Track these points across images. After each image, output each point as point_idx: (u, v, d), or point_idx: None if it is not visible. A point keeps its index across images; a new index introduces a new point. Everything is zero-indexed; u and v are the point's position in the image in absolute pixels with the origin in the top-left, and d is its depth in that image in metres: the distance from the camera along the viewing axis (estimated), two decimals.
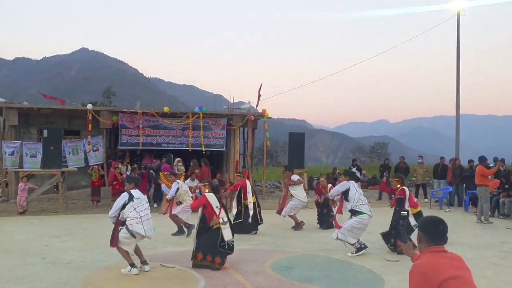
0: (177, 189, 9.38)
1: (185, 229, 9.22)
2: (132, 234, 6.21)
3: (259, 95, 18.13)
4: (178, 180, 9.62)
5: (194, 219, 9.20)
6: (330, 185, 10.39)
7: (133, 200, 6.29)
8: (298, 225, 10.27)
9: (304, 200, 10.43)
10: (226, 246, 6.50)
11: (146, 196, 6.74)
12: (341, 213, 8.07)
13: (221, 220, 6.59)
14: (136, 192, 6.46)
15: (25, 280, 5.89)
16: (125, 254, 6.34)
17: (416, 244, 3.20)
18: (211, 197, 6.76)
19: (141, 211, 6.30)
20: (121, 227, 6.27)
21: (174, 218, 9.33)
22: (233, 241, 6.65)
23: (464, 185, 15.24)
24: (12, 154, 15.67)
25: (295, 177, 10.71)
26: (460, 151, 20.65)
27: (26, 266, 6.65)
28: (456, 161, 15.93)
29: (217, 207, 6.66)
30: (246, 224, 9.62)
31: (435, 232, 3.04)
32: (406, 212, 4.27)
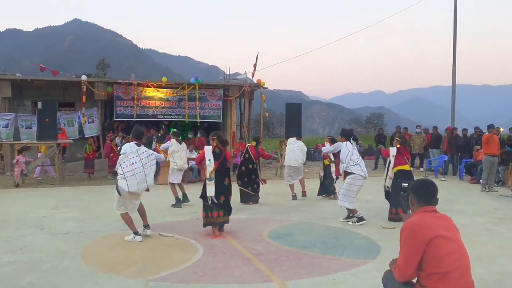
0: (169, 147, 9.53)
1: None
2: (118, 191, 6.21)
3: (255, 65, 17.91)
4: (173, 140, 9.64)
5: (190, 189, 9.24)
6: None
7: (120, 155, 6.34)
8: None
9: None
10: (210, 201, 6.57)
11: (142, 148, 6.43)
12: (340, 174, 8.06)
13: (207, 175, 6.62)
14: (125, 147, 6.39)
15: (23, 250, 5.91)
16: (128, 220, 6.36)
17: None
18: (207, 150, 6.74)
19: (126, 166, 6.20)
20: None
21: (171, 187, 9.37)
22: (219, 200, 6.64)
23: (459, 154, 15.36)
24: (6, 126, 15.58)
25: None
26: (455, 121, 20.70)
27: (25, 236, 6.66)
28: (453, 131, 15.97)
29: (209, 160, 6.63)
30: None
31: (426, 193, 3.17)
32: (407, 184, 4.30)
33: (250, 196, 9.71)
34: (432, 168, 15.76)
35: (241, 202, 9.58)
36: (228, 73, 19.54)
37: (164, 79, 16.95)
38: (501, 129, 12.04)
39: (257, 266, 5.15)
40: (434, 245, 2.93)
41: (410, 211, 3.31)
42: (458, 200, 10.23)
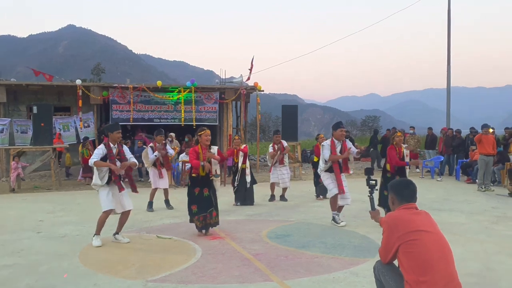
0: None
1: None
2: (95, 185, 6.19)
3: (251, 67, 17.93)
4: (151, 145, 9.46)
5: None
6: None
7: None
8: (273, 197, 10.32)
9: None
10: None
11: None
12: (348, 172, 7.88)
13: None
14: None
15: (20, 253, 5.86)
16: (102, 222, 6.23)
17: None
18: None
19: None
20: None
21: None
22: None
23: (455, 154, 15.43)
24: (1, 131, 15.51)
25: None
26: (450, 123, 20.80)
27: (21, 240, 6.61)
28: (448, 132, 16.05)
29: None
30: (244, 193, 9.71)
31: (406, 192, 3.27)
32: (374, 182, 4.39)
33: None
34: (429, 169, 15.81)
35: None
36: (223, 77, 19.56)
37: (159, 82, 16.93)
38: (491, 130, 12.10)
39: (257, 266, 5.14)
40: (414, 239, 2.99)
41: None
42: (455, 200, 10.26)
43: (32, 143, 13.77)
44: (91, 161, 6.09)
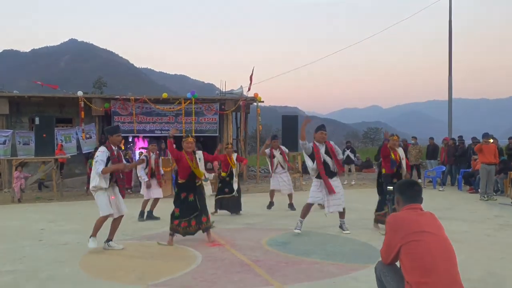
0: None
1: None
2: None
3: (251, 78, 18.03)
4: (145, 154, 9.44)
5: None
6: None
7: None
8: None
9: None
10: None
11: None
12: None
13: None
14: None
15: (22, 260, 5.88)
16: (99, 225, 6.28)
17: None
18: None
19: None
20: None
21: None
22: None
23: (458, 164, 15.40)
24: (4, 143, 15.58)
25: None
26: (453, 135, 20.79)
27: (23, 248, 6.63)
28: (450, 141, 16.04)
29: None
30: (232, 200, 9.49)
31: (411, 192, 3.28)
32: (392, 188, 4.44)
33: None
34: (430, 179, 15.77)
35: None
36: (224, 89, 19.63)
37: (164, 95, 17.07)
38: (491, 140, 12.11)
39: (256, 272, 5.13)
40: (416, 240, 2.98)
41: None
42: (457, 209, 10.24)
43: (34, 153, 13.82)
44: (98, 170, 6.03)
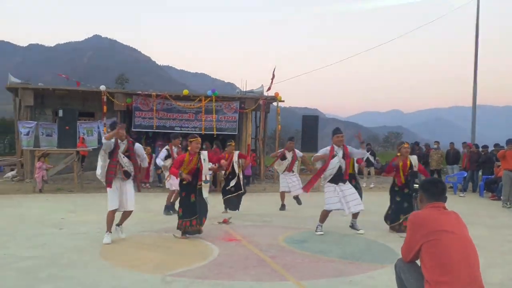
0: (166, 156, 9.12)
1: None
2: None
3: (273, 77, 17.97)
4: (167, 147, 9.37)
5: None
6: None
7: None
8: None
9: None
10: None
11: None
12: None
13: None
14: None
15: (43, 247, 6.01)
16: (108, 218, 6.44)
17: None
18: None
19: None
20: None
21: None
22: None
23: (481, 170, 15.14)
24: (27, 134, 15.87)
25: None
26: (476, 141, 20.40)
27: (44, 235, 6.77)
28: (473, 148, 15.77)
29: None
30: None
31: (435, 190, 3.24)
32: (418, 185, 4.44)
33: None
34: (451, 185, 15.54)
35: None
36: (244, 89, 19.61)
37: (185, 91, 17.19)
38: None
39: (273, 267, 5.14)
40: (437, 239, 2.95)
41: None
42: (478, 214, 10.06)
43: (57, 145, 14.08)
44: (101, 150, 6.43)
